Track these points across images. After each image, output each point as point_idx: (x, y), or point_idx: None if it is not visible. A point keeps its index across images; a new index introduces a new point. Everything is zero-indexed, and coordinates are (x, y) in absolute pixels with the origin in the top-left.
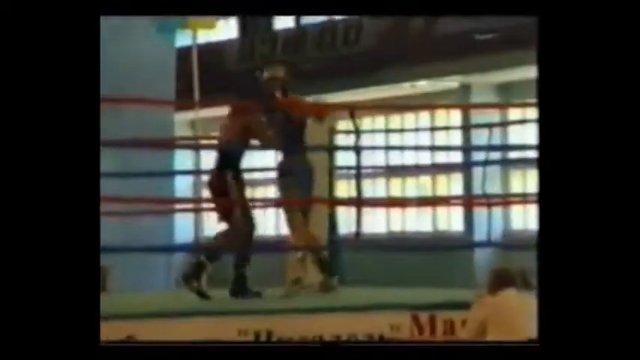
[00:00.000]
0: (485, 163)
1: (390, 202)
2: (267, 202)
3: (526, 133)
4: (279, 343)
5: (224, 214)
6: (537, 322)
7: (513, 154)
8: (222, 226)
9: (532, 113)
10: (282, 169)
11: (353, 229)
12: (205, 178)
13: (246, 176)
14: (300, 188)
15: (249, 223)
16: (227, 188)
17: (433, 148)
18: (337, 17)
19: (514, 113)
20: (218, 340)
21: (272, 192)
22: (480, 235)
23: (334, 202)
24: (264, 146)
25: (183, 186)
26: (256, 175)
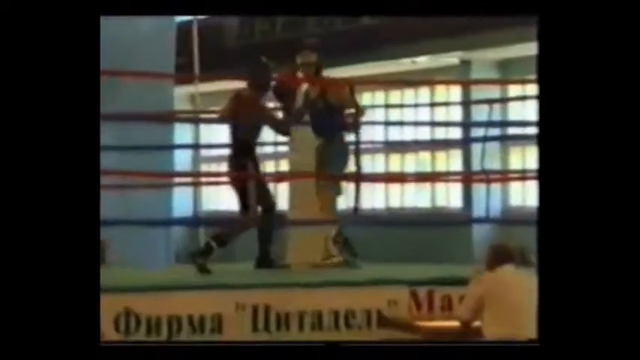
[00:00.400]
0: (485, 139)
1: (389, 178)
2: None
3: (526, 110)
4: (279, 343)
5: (241, 193)
6: (537, 322)
7: (513, 131)
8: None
9: (532, 90)
10: (322, 151)
11: (352, 204)
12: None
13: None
14: (338, 169)
15: (269, 204)
16: (246, 168)
17: (433, 124)
18: None
19: (514, 90)
20: (218, 340)
21: (282, 166)
22: (478, 211)
23: (332, 177)
24: (279, 132)
25: (182, 160)
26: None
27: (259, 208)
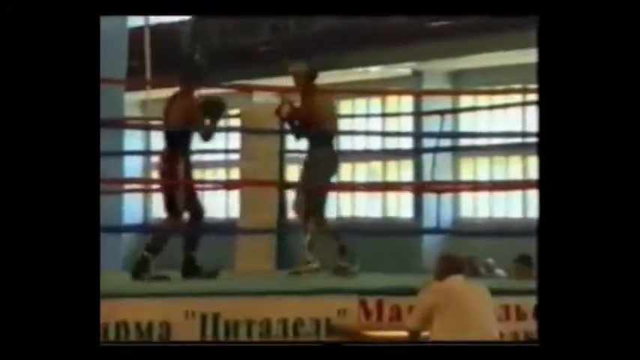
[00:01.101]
0: (436, 149)
1: (340, 187)
2: (217, 184)
3: (477, 121)
4: (278, 343)
5: (169, 197)
6: (537, 323)
7: (464, 142)
8: (167, 210)
9: (483, 100)
10: (311, 159)
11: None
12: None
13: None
14: (325, 177)
15: (197, 210)
16: (175, 172)
17: (384, 134)
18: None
19: (465, 100)
20: (217, 341)
21: (221, 174)
22: (428, 221)
23: (284, 185)
24: (202, 131)
25: (132, 166)
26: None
27: (186, 214)
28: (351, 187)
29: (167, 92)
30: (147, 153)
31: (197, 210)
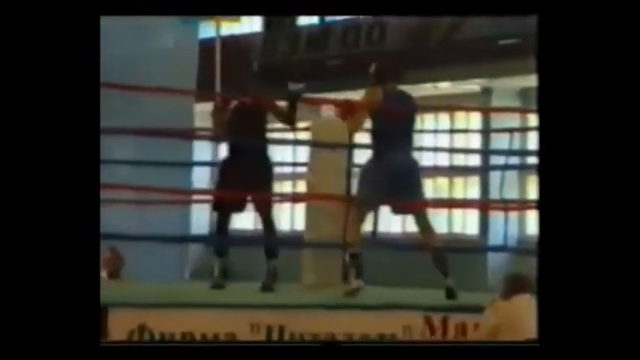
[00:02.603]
0: (504, 167)
1: (406, 203)
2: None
3: None
4: (279, 343)
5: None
6: (537, 322)
7: (532, 160)
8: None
9: None
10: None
11: (369, 228)
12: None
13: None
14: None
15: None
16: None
17: (452, 150)
18: (361, 16)
19: (534, 119)
20: (218, 340)
21: (288, 187)
22: (494, 239)
23: (351, 200)
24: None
25: (201, 177)
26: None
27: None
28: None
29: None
30: (213, 164)
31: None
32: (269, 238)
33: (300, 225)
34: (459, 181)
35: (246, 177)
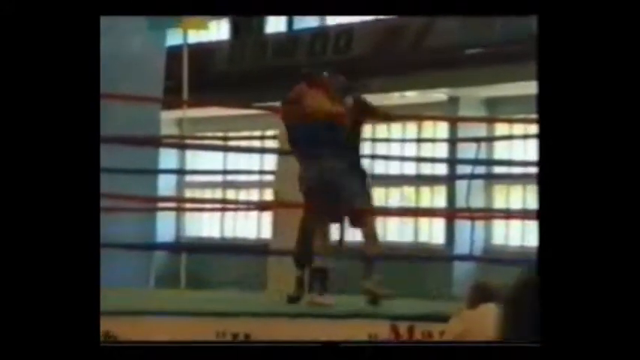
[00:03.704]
0: (471, 176)
1: (373, 211)
2: (250, 205)
3: (512, 149)
4: (278, 343)
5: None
6: (539, 322)
7: (498, 169)
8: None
9: (518, 129)
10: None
11: (336, 237)
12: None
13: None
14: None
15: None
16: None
17: (418, 159)
18: (329, 24)
19: (501, 128)
20: (217, 341)
21: (254, 195)
22: (460, 248)
23: (319, 209)
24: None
25: (167, 185)
26: (241, 178)
27: None
28: (384, 211)
29: (203, 112)
30: (179, 171)
31: None
32: (372, 250)
33: (266, 233)
34: (425, 190)
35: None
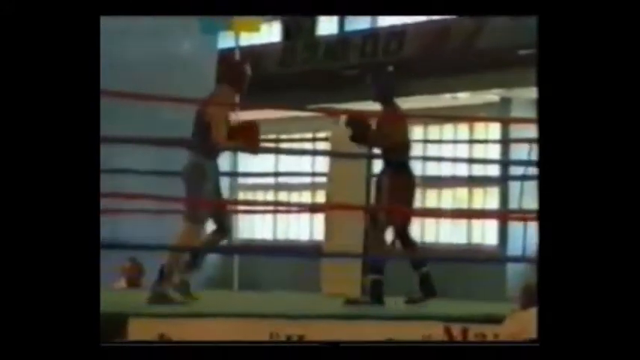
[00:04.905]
0: (523, 177)
1: (426, 213)
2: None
3: None
4: (279, 343)
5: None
6: (537, 322)
7: None
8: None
9: None
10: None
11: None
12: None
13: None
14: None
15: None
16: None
17: (471, 161)
18: (380, 25)
19: None
20: (218, 340)
21: (307, 197)
22: (513, 249)
23: (370, 209)
24: None
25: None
26: (294, 180)
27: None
28: (437, 212)
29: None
30: (233, 174)
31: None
32: (412, 251)
33: (319, 235)
34: (478, 191)
35: (394, 190)
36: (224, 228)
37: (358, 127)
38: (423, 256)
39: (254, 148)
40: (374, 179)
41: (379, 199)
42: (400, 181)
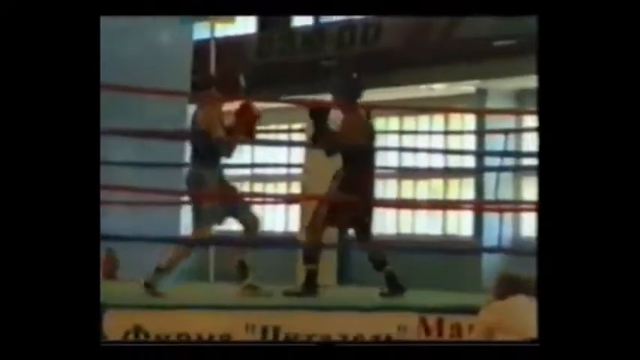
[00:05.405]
0: (499, 169)
1: (401, 204)
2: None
3: None
4: (279, 343)
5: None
6: (537, 322)
7: (527, 162)
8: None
9: None
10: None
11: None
12: None
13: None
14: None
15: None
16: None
17: (446, 152)
18: (356, 16)
19: (529, 120)
20: (217, 341)
21: (282, 188)
22: (489, 240)
23: (344, 201)
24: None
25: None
26: (268, 171)
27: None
28: (413, 204)
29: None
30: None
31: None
32: (366, 245)
33: (294, 226)
34: (453, 182)
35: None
36: (247, 224)
37: (320, 121)
38: (381, 253)
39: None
40: (336, 173)
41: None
42: (357, 174)
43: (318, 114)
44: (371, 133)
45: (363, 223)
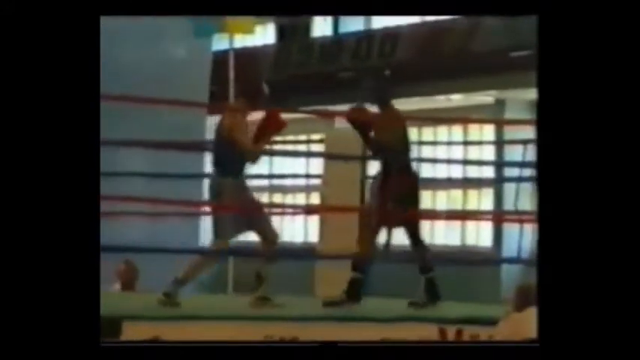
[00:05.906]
0: (518, 179)
1: (420, 214)
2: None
3: None
4: (279, 343)
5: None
6: (537, 322)
7: None
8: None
9: None
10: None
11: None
12: None
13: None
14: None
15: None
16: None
17: (465, 162)
18: (374, 27)
19: None
20: (218, 340)
21: (301, 199)
22: (507, 251)
23: (364, 211)
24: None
25: None
26: (287, 182)
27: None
28: (431, 214)
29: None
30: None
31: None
32: (422, 254)
33: (313, 237)
34: (472, 193)
35: (397, 193)
36: (266, 236)
37: (361, 128)
38: (431, 261)
39: (281, 127)
40: (374, 181)
41: (384, 201)
42: (405, 183)
43: (360, 124)
44: (406, 133)
45: (413, 227)
